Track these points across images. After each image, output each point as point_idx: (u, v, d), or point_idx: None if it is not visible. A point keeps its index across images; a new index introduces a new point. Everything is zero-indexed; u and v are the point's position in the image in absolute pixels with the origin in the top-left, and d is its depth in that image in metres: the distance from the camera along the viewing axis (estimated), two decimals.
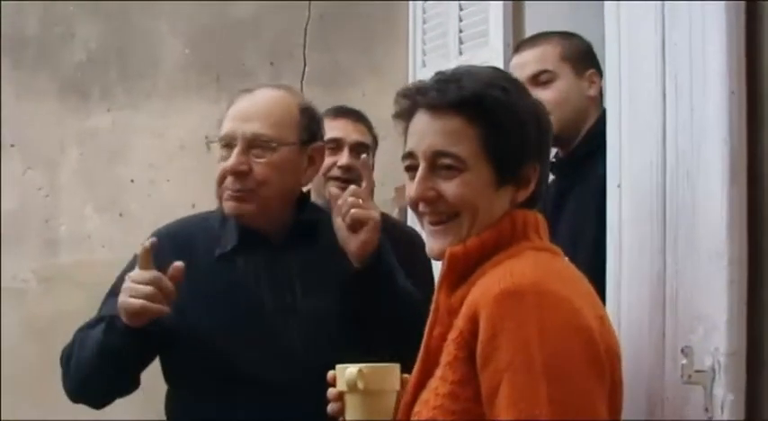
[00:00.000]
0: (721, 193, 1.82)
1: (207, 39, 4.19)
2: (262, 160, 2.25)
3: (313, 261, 2.31)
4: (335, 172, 2.74)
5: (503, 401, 1.56)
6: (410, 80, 3.92)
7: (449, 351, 1.67)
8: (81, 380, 2.25)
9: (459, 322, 1.67)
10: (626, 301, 2.10)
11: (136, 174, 4.14)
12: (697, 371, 1.81)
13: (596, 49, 2.63)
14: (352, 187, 2.28)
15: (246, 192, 2.25)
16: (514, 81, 1.84)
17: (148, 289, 2.08)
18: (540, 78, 2.65)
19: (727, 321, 1.79)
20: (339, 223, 2.25)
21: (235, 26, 4.18)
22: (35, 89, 4.16)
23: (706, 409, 1.80)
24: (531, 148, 1.76)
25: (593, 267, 2.20)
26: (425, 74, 3.81)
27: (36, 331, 4.05)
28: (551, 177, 2.74)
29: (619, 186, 2.14)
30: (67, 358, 2.28)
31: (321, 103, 4.05)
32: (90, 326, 2.27)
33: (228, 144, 2.26)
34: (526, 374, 1.55)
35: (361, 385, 1.84)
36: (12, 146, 4.15)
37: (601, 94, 2.69)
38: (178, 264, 2.12)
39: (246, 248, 2.28)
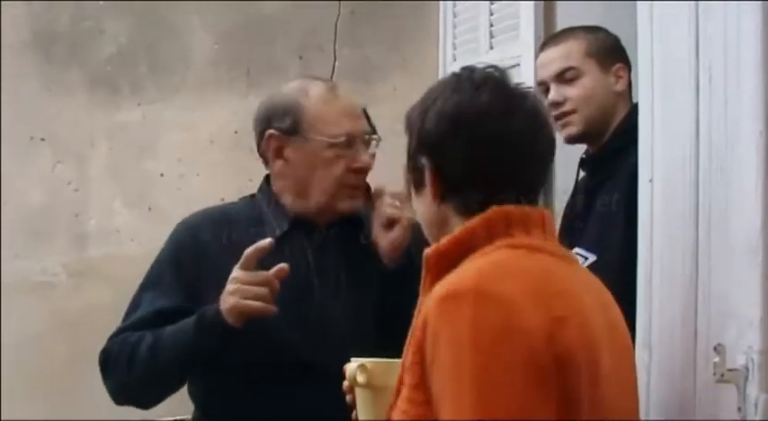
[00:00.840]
0: (756, 188, 1.77)
1: (236, 33, 4.16)
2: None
3: (356, 251, 2.36)
4: None
5: (442, 409, 1.52)
6: (440, 75, 3.88)
7: (407, 355, 1.64)
8: (150, 382, 2.26)
9: (416, 325, 1.63)
10: (657, 299, 2.06)
11: (165, 169, 4.13)
12: (729, 370, 1.77)
13: (629, 40, 2.58)
14: (391, 189, 2.33)
15: (360, 189, 2.36)
16: (450, 87, 1.76)
17: (263, 290, 2.13)
18: (566, 76, 2.62)
19: (761, 319, 1.75)
20: (376, 221, 2.33)
21: (264, 20, 4.16)
22: (65, 83, 4.16)
23: (739, 409, 1.76)
24: (418, 148, 1.74)
25: (622, 264, 2.18)
26: (456, 69, 3.78)
27: (66, 324, 4.06)
28: (582, 174, 2.71)
29: (651, 181, 2.10)
30: (129, 361, 2.25)
31: None
32: (134, 326, 2.29)
33: (351, 142, 2.33)
34: (458, 381, 1.50)
35: (361, 380, 1.86)
36: (42, 140, 4.15)
37: (630, 88, 2.64)
38: (283, 265, 2.15)
39: (295, 235, 2.34)
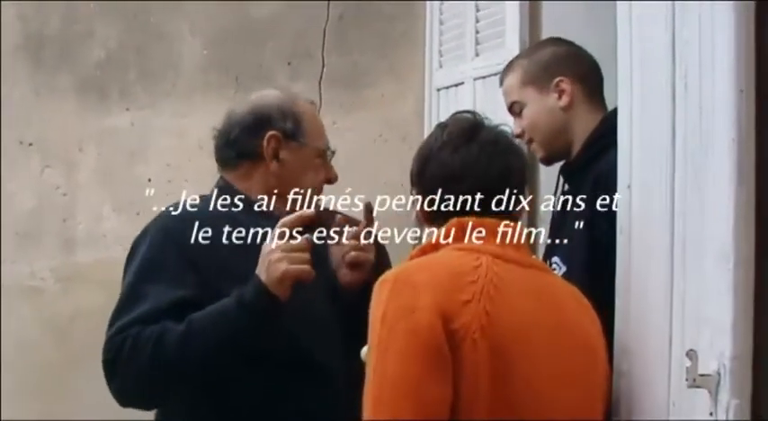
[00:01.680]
0: (728, 195, 1.79)
1: (225, 39, 4.18)
2: None
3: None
4: None
5: None
6: (426, 82, 3.89)
7: None
8: (180, 374, 2.19)
9: None
10: (635, 304, 2.07)
11: (154, 174, 4.14)
12: (701, 376, 1.77)
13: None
14: (356, 229, 2.41)
15: None
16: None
17: (307, 255, 2.19)
18: (514, 110, 2.68)
19: (732, 325, 1.76)
20: (336, 252, 2.41)
21: (253, 26, 4.17)
22: (54, 88, 4.19)
23: (711, 414, 1.77)
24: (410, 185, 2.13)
25: (581, 274, 2.24)
26: (442, 75, 3.80)
27: (54, 329, 4.07)
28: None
29: (629, 187, 2.11)
30: (153, 353, 2.15)
31: (339, 104, 4.11)
32: (144, 319, 2.18)
33: (325, 155, 2.48)
34: (372, 350, 1.84)
35: None
36: (30, 144, 4.17)
37: (586, 90, 2.62)
38: (308, 236, 2.21)
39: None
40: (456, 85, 3.67)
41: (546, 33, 3.21)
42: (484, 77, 3.47)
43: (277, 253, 2.16)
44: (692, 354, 1.79)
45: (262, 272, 2.17)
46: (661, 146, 1.99)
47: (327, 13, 4.13)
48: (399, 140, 4.06)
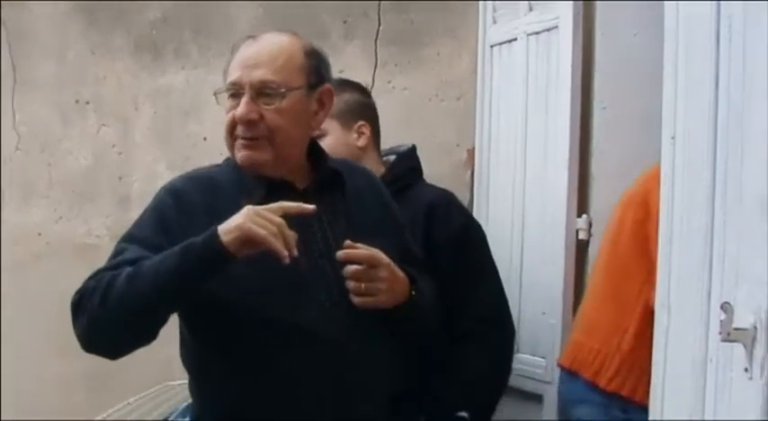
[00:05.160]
0: None
1: None
2: (271, 107, 2.22)
3: (342, 208, 2.29)
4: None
5: None
6: (480, 39, 3.83)
7: None
8: (125, 315, 2.12)
9: None
10: (676, 256, 2.02)
11: (208, 133, 4.13)
12: (736, 329, 1.71)
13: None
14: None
15: (259, 140, 2.22)
16: None
17: (273, 228, 2.05)
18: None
19: None
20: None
21: None
22: (110, 47, 4.20)
23: (746, 370, 1.71)
24: None
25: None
26: (496, 31, 3.73)
27: None
28: None
29: (673, 138, 2.06)
30: (104, 293, 2.12)
31: (395, 64, 4.06)
32: (113, 267, 2.18)
33: (236, 93, 2.23)
34: None
35: None
36: (87, 103, 4.20)
37: (377, 141, 3.04)
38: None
39: (275, 198, 2.19)
40: (509, 41, 3.60)
41: None
42: (537, 33, 3.40)
43: (247, 211, 2.07)
44: (726, 307, 1.73)
45: (222, 225, 2.09)
46: (704, 93, 1.93)
47: None
48: (455, 100, 4.02)
